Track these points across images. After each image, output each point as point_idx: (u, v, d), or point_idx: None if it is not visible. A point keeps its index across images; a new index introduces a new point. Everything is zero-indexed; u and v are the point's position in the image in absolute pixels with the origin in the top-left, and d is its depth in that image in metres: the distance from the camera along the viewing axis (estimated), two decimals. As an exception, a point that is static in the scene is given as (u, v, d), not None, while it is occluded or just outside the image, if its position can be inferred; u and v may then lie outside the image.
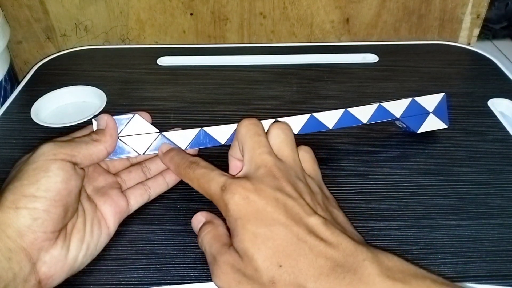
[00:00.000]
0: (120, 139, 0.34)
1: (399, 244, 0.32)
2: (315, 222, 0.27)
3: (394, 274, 0.24)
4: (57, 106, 0.50)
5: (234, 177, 0.29)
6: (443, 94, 0.40)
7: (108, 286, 0.29)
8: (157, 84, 0.51)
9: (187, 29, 0.61)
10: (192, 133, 0.36)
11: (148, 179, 0.35)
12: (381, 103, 0.38)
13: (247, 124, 0.32)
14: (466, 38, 0.63)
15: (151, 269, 0.30)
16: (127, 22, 0.60)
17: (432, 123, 0.40)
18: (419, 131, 0.40)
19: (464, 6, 0.60)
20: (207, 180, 0.30)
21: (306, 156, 0.32)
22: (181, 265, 0.31)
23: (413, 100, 0.39)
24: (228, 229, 0.29)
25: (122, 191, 0.33)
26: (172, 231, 0.33)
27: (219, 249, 0.28)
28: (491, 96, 0.48)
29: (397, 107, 0.39)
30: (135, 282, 0.30)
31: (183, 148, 0.35)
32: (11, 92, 0.51)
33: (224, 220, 0.30)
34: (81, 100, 0.50)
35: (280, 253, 0.25)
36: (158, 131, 0.35)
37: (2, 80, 0.53)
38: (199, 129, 0.36)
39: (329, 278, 0.24)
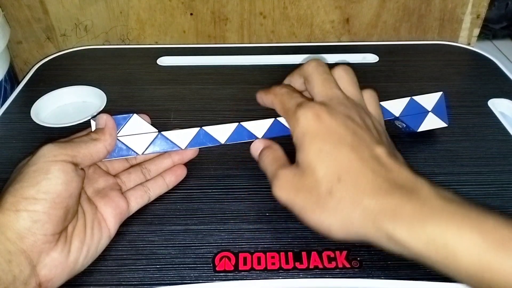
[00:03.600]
0: (118, 139, 0.34)
1: (399, 244, 0.32)
2: (380, 151, 0.28)
3: (450, 198, 0.25)
4: (57, 106, 0.49)
5: (310, 100, 0.31)
6: (441, 93, 0.40)
7: (108, 287, 0.29)
8: (157, 84, 0.51)
9: (187, 29, 0.61)
10: (191, 132, 0.36)
11: (147, 180, 0.35)
12: (379, 102, 0.38)
13: (315, 64, 0.33)
14: (466, 38, 0.63)
15: (151, 269, 0.30)
16: (127, 22, 0.60)
17: (432, 122, 0.40)
18: (418, 130, 0.40)
19: (464, 6, 0.60)
20: (288, 97, 0.32)
21: (371, 100, 0.34)
22: (181, 266, 0.31)
23: (412, 99, 0.39)
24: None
25: (122, 193, 0.33)
26: (172, 231, 0.33)
27: (280, 166, 0.30)
28: (491, 96, 0.48)
29: (396, 106, 0.39)
30: (135, 283, 0.30)
31: (182, 148, 0.35)
32: (11, 92, 0.51)
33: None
34: (81, 100, 0.50)
35: (342, 169, 0.27)
36: (157, 130, 0.35)
37: (2, 80, 0.53)
38: (199, 128, 0.36)
39: (386, 196, 0.26)
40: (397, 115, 0.39)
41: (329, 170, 0.27)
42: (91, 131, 0.33)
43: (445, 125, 0.41)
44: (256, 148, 0.34)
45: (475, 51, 0.58)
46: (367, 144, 0.28)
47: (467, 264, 0.23)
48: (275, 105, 0.33)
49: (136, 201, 0.34)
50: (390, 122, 0.40)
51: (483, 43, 0.70)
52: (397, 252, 0.25)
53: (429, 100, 0.40)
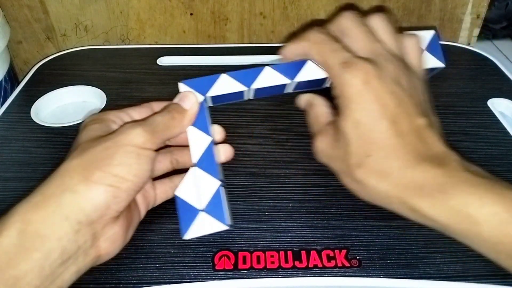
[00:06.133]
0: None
1: (398, 243, 0.32)
2: (420, 122, 0.28)
3: (477, 172, 0.26)
4: (57, 106, 0.50)
5: (356, 56, 0.29)
6: (433, 32, 0.36)
7: (108, 285, 0.29)
8: (157, 84, 0.51)
9: (187, 29, 0.62)
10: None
11: (174, 175, 0.35)
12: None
13: (352, 15, 0.31)
14: (466, 38, 0.63)
15: (151, 268, 0.30)
16: (127, 22, 0.60)
17: (428, 61, 0.36)
18: None
19: (464, 6, 0.60)
20: (330, 48, 0.30)
21: (414, 50, 0.32)
22: (181, 264, 0.31)
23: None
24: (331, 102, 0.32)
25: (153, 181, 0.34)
26: (171, 230, 0.33)
27: (319, 129, 0.32)
28: (491, 96, 0.48)
29: None
30: (134, 281, 0.30)
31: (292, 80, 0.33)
32: (11, 92, 0.51)
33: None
34: (81, 100, 0.50)
35: (374, 145, 0.28)
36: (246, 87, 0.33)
37: (2, 80, 0.53)
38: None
39: (414, 170, 0.27)
40: None
41: (361, 145, 0.28)
42: (173, 109, 0.31)
43: (443, 65, 0.37)
44: (300, 105, 0.36)
45: (475, 51, 0.58)
46: (409, 114, 0.28)
47: (489, 233, 0.24)
48: (313, 55, 0.31)
49: (160, 196, 0.34)
50: None
51: (483, 43, 0.70)
52: (420, 222, 0.27)
53: (422, 38, 0.36)
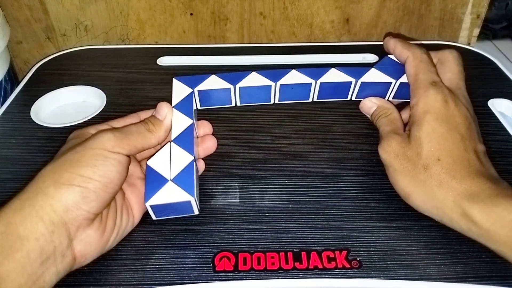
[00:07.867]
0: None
1: (399, 244, 0.32)
2: (481, 148, 0.33)
3: None
4: (57, 106, 0.50)
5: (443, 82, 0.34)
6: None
7: (108, 287, 0.29)
8: (157, 84, 0.51)
9: (187, 29, 0.61)
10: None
11: None
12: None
13: (457, 55, 0.37)
14: (466, 38, 0.63)
15: (151, 269, 0.30)
16: (127, 22, 0.60)
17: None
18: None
19: (464, 6, 0.60)
20: (426, 67, 0.35)
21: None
22: (181, 266, 0.31)
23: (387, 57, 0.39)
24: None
25: None
26: (171, 231, 0.33)
27: (393, 130, 0.35)
28: (491, 96, 0.48)
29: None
30: (134, 283, 0.30)
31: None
32: (11, 92, 0.51)
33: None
34: (81, 100, 0.50)
35: (445, 152, 0.31)
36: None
37: (2, 80, 0.53)
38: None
39: (472, 181, 0.30)
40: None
41: (433, 149, 0.31)
42: (148, 119, 0.33)
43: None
44: (368, 107, 0.38)
45: (475, 51, 0.58)
46: (474, 139, 0.32)
47: None
48: (409, 67, 0.35)
49: None
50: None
51: (483, 43, 0.70)
52: (465, 229, 0.30)
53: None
